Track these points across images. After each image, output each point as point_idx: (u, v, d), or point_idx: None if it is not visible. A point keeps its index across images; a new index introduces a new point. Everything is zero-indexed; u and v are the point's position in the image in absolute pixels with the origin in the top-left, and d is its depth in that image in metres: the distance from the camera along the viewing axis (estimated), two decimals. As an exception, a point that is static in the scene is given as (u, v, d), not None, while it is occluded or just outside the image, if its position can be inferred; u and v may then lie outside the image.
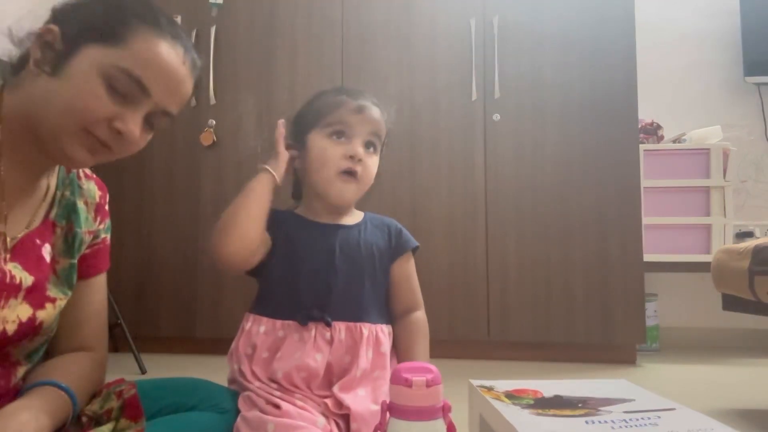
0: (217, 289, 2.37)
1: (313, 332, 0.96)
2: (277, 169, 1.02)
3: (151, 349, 2.29)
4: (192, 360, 2.28)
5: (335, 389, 0.93)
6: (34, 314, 0.77)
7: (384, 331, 1.01)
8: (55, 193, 0.84)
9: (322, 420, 0.89)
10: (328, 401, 0.92)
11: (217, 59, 2.44)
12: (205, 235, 2.32)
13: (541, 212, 2.28)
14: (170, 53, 0.74)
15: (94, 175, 0.92)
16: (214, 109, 2.44)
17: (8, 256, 0.75)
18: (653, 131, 2.63)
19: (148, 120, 0.77)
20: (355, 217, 1.09)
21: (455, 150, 2.33)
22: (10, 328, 0.74)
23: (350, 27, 2.42)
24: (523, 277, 2.27)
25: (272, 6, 2.46)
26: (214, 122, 2.43)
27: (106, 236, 0.92)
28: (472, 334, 2.27)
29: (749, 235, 2.56)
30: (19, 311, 0.75)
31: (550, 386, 0.88)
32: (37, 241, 0.80)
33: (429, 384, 0.63)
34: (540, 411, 0.76)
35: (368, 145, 1.04)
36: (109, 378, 0.91)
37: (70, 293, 0.84)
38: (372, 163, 1.04)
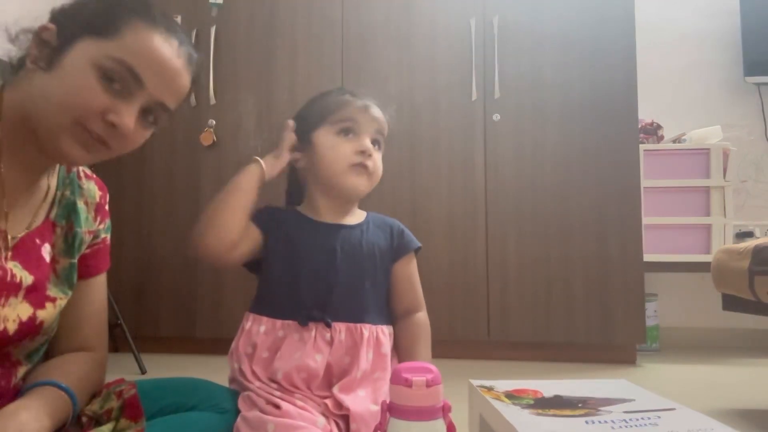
0: (217, 289, 2.37)
1: (313, 332, 0.96)
2: (272, 166, 1.03)
3: (151, 349, 2.29)
4: (192, 360, 2.28)
5: (335, 390, 0.93)
6: (34, 314, 0.77)
7: (385, 332, 1.01)
8: (55, 193, 0.84)
9: (322, 420, 0.89)
10: (328, 401, 0.92)
11: (217, 59, 2.44)
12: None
13: (541, 212, 2.28)
14: (163, 45, 0.74)
15: (95, 175, 0.92)
16: (214, 109, 2.44)
17: (9, 254, 0.75)
18: (653, 131, 2.63)
19: (146, 115, 0.76)
20: (357, 217, 1.09)
21: (455, 150, 2.33)
22: (11, 327, 0.74)
23: (350, 27, 2.41)
24: (523, 277, 2.27)
25: (272, 6, 2.46)
26: (214, 122, 2.43)
27: (107, 236, 0.92)
28: (472, 334, 2.27)
29: (749, 235, 2.56)
30: (19, 310, 0.75)
31: (550, 386, 0.88)
32: (37, 241, 0.80)
33: (429, 384, 0.63)
34: (540, 411, 0.76)
35: (373, 142, 1.05)
36: (109, 378, 0.91)
37: (70, 293, 0.84)
38: (379, 159, 1.06)
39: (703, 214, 2.45)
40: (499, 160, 2.31)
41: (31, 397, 0.73)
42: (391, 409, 0.65)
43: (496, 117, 2.31)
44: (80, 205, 0.86)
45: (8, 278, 0.73)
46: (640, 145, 2.31)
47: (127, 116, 0.73)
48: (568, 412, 0.76)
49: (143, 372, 2.03)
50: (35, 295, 0.77)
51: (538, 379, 0.93)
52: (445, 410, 0.65)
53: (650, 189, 2.44)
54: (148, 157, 2.46)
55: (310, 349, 0.95)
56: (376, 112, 1.05)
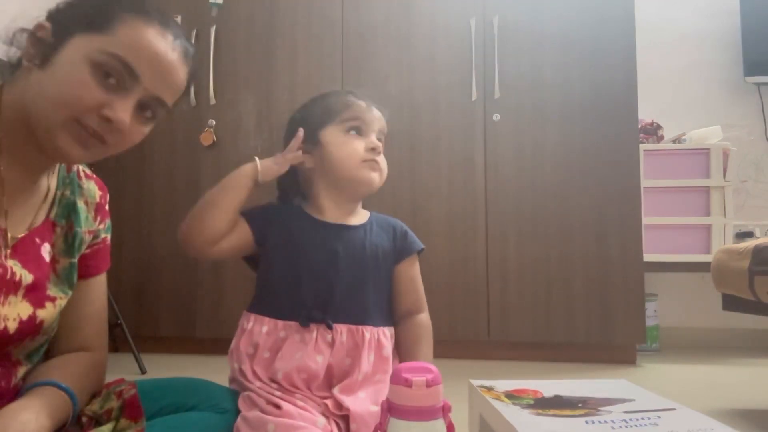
0: (217, 289, 2.37)
1: (314, 334, 0.96)
2: (269, 169, 1.03)
3: (151, 349, 2.29)
4: (192, 360, 2.28)
5: (335, 391, 0.93)
6: (34, 313, 0.77)
7: (386, 334, 1.01)
8: (55, 193, 0.84)
9: (322, 420, 0.89)
10: (328, 402, 0.92)
11: (217, 59, 2.44)
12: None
13: (541, 212, 2.28)
14: (158, 38, 0.74)
15: (94, 175, 0.92)
16: (214, 109, 2.44)
17: (9, 251, 0.75)
18: (653, 131, 2.63)
19: (143, 111, 0.76)
20: (361, 217, 1.09)
21: (455, 150, 2.33)
22: (11, 326, 0.74)
23: (350, 27, 2.41)
24: (523, 277, 2.27)
25: (272, 6, 2.46)
26: (214, 122, 2.43)
27: (107, 236, 0.92)
28: (472, 334, 2.27)
29: (749, 235, 2.56)
30: (19, 309, 0.75)
31: (550, 386, 0.88)
32: (37, 241, 0.80)
33: (429, 384, 0.63)
34: (540, 411, 0.76)
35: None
36: (109, 378, 0.91)
37: (70, 292, 0.84)
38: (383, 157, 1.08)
39: (703, 214, 2.45)
40: (499, 160, 2.31)
41: (31, 397, 0.73)
42: (391, 409, 0.65)
43: (496, 117, 2.31)
44: (80, 204, 0.86)
45: (8, 276, 0.73)
46: (640, 145, 2.31)
47: (122, 111, 0.72)
48: (568, 412, 0.76)
49: (143, 372, 2.03)
50: (35, 294, 0.77)
51: (538, 379, 0.93)
52: (445, 410, 0.65)
53: (650, 189, 2.44)
54: (148, 157, 2.46)
55: (310, 350, 0.94)
56: (378, 112, 1.08)
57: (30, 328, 0.76)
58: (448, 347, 2.19)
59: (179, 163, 2.45)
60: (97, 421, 0.81)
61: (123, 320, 2.13)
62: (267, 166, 1.03)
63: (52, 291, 0.80)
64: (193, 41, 2.40)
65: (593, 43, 2.30)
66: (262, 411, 0.88)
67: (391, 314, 1.06)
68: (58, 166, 0.84)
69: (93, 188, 0.90)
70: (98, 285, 0.91)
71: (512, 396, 0.83)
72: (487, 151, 2.32)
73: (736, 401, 1.68)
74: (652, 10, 2.81)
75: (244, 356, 0.97)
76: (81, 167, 0.89)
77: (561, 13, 2.32)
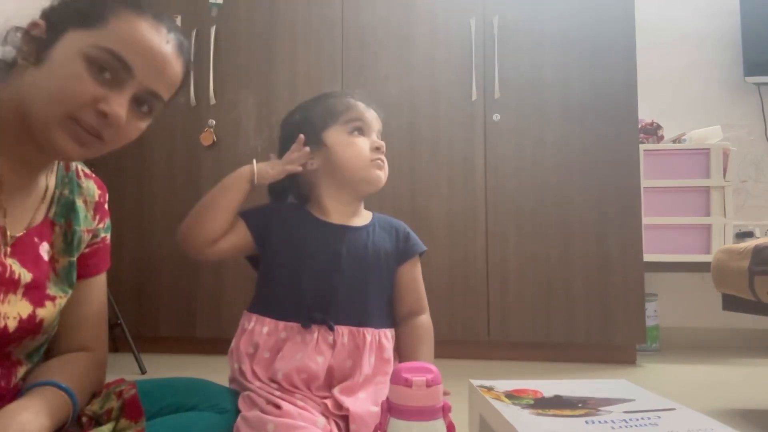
0: (217, 289, 2.37)
1: (315, 335, 0.96)
2: (266, 173, 1.03)
3: (151, 349, 2.29)
4: (192, 360, 2.28)
5: (335, 391, 0.93)
6: (34, 312, 0.77)
7: (387, 336, 1.01)
8: (54, 192, 0.84)
9: (322, 420, 0.89)
10: (328, 402, 0.92)
11: (217, 59, 2.44)
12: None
13: (541, 212, 2.28)
14: (151, 31, 0.74)
15: (93, 175, 0.91)
16: (214, 109, 2.44)
17: (8, 249, 0.75)
18: (653, 131, 2.63)
19: (139, 105, 0.76)
20: (364, 218, 1.09)
21: (455, 150, 2.33)
22: (11, 325, 0.74)
23: (350, 27, 2.41)
24: (523, 277, 2.27)
25: (272, 6, 2.46)
26: (214, 122, 2.43)
27: (106, 235, 0.92)
28: (472, 334, 2.27)
29: (749, 235, 2.56)
30: (19, 308, 0.75)
31: (550, 386, 0.88)
32: (36, 240, 0.80)
33: (429, 384, 0.63)
34: (540, 411, 0.76)
35: None
36: (109, 378, 0.91)
37: (70, 291, 0.84)
38: None
39: (703, 214, 2.45)
40: (499, 160, 2.31)
41: (31, 397, 0.73)
42: (391, 409, 0.65)
43: (496, 117, 2.31)
44: (79, 203, 0.86)
45: (7, 274, 0.73)
46: (640, 145, 2.31)
47: (118, 105, 0.72)
48: (568, 412, 0.76)
49: (143, 372, 2.03)
50: (35, 293, 0.77)
51: (538, 379, 0.93)
52: (445, 410, 0.65)
53: (650, 189, 2.44)
54: (148, 157, 2.46)
55: (311, 351, 0.94)
56: (375, 112, 1.09)
57: (30, 327, 0.76)
58: (448, 347, 2.19)
59: (179, 163, 2.45)
60: (97, 421, 0.81)
61: (123, 320, 2.13)
62: (263, 170, 1.04)
63: (51, 290, 0.80)
64: (193, 41, 2.42)
65: (593, 43, 2.30)
66: (262, 411, 0.88)
67: (391, 315, 1.06)
68: (56, 165, 0.84)
69: (92, 187, 0.89)
70: (98, 285, 0.91)
71: (512, 396, 0.83)
72: (487, 151, 2.32)
73: (736, 401, 1.68)
74: (652, 10, 2.81)
75: (244, 356, 0.97)
76: (80, 166, 0.89)
77: (561, 13, 2.32)
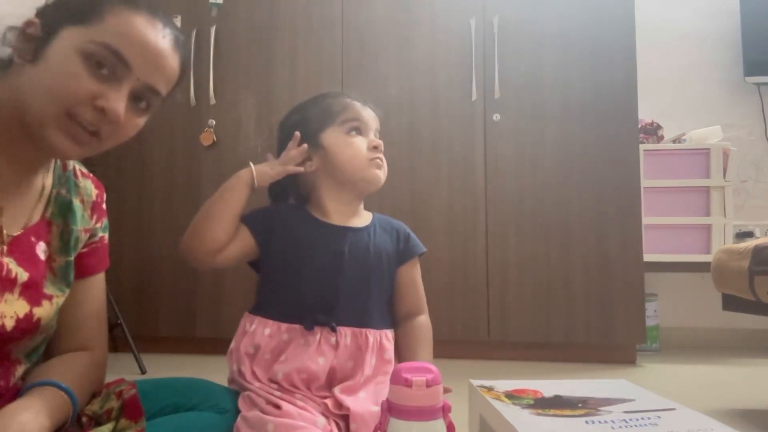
0: (217, 289, 2.37)
1: (318, 336, 0.96)
2: (265, 175, 1.03)
3: (151, 349, 2.29)
4: (192, 360, 2.28)
5: (335, 390, 0.93)
6: (31, 311, 0.77)
7: (388, 337, 1.01)
8: (50, 192, 0.84)
9: (322, 420, 0.88)
10: (328, 401, 0.92)
11: (217, 59, 2.44)
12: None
13: (541, 212, 2.28)
14: (147, 26, 0.74)
15: (91, 174, 0.91)
16: (214, 109, 2.44)
17: (5, 248, 0.75)
18: (653, 131, 2.63)
19: (137, 101, 0.76)
20: (364, 219, 1.09)
21: (455, 150, 2.33)
22: (9, 324, 0.74)
23: (350, 27, 2.41)
24: (523, 277, 2.27)
25: (272, 6, 2.46)
26: (214, 122, 2.43)
27: (104, 235, 0.92)
28: (472, 334, 2.27)
29: (749, 235, 2.56)
30: (16, 307, 0.75)
31: (550, 386, 0.88)
32: (32, 239, 0.80)
33: (429, 384, 0.63)
34: (540, 411, 0.76)
35: None
36: (109, 378, 0.91)
37: (67, 291, 0.84)
38: None
39: (703, 214, 2.45)
40: (499, 160, 2.31)
41: (31, 397, 0.73)
42: (391, 409, 0.65)
43: (496, 117, 2.31)
44: (76, 203, 0.86)
45: (4, 273, 0.73)
46: (640, 145, 2.31)
47: (116, 101, 0.72)
48: (568, 412, 0.76)
49: (143, 372, 2.03)
50: (31, 292, 0.77)
51: (538, 379, 0.93)
52: (445, 410, 0.65)
53: (650, 189, 2.43)
54: (148, 157, 2.46)
55: (313, 352, 0.94)
56: (372, 111, 1.09)
57: (27, 326, 0.76)
58: (448, 347, 2.19)
59: (179, 163, 2.45)
60: (97, 421, 0.81)
61: (123, 320, 2.13)
62: (262, 172, 1.04)
63: (48, 289, 0.80)
64: (193, 41, 2.42)
65: (593, 43, 2.30)
66: (262, 411, 0.88)
67: (391, 316, 1.06)
68: (53, 164, 0.84)
69: (89, 187, 0.89)
70: (97, 284, 0.91)
71: (512, 396, 0.83)
72: (487, 151, 2.32)
73: (736, 401, 1.68)
74: (652, 10, 2.81)
75: (244, 357, 0.97)
76: (77, 166, 0.89)
77: (561, 13, 2.32)
